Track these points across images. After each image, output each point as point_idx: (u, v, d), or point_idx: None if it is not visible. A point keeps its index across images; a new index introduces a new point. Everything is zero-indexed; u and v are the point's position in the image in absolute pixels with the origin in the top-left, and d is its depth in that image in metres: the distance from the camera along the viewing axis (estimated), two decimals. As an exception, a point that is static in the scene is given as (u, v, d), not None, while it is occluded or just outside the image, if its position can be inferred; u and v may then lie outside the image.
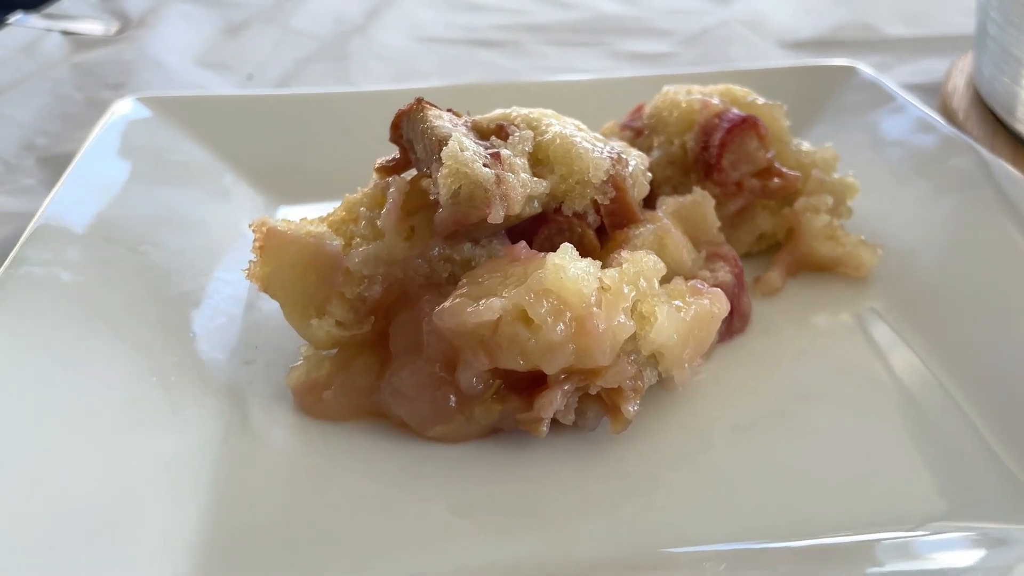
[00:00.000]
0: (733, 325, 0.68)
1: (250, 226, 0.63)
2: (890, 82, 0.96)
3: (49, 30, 1.32)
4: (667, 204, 0.69)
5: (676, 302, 0.59)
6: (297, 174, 0.89)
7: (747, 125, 0.72)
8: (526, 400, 0.57)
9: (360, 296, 0.61)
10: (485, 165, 0.58)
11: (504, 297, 0.54)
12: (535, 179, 0.61)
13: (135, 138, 0.86)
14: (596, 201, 0.63)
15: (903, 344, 0.68)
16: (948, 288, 0.71)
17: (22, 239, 0.66)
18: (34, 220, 0.69)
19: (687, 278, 0.65)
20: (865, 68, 1.00)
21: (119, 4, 1.44)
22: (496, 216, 0.57)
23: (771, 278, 0.72)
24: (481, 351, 0.55)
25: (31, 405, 0.54)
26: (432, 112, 0.62)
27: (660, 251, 0.67)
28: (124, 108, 0.88)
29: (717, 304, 0.60)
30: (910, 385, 0.64)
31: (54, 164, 0.97)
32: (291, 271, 0.62)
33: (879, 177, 0.84)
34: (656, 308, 0.57)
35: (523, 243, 0.59)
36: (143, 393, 0.59)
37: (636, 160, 0.66)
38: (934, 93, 1.11)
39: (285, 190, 0.88)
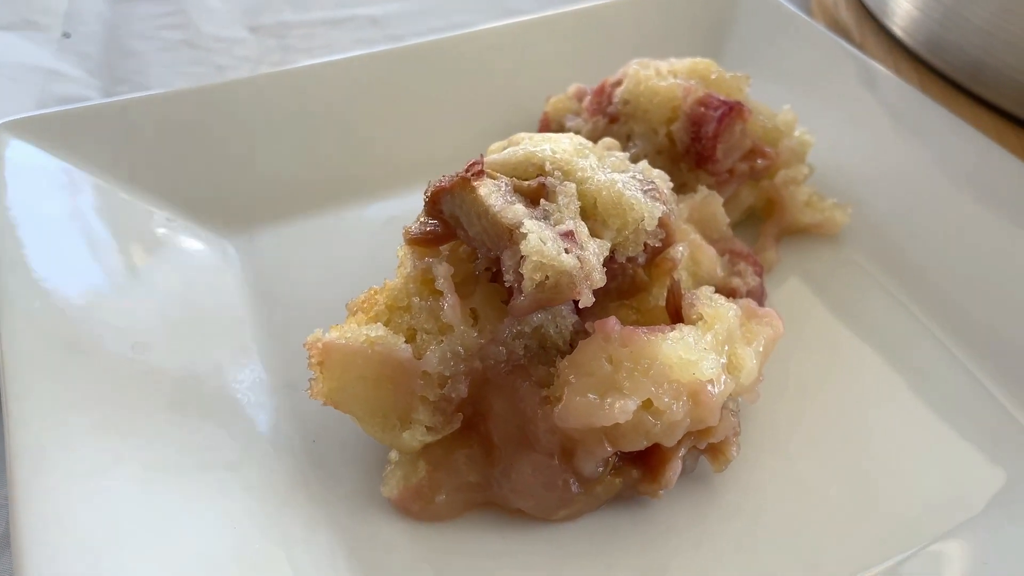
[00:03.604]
0: (763, 323, 0.72)
1: (304, 345, 0.57)
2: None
3: None
4: (680, 209, 0.70)
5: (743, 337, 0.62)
6: (228, 193, 0.79)
7: (735, 113, 0.72)
8: (641, 467, 0.59)
9: (445, 397, 0.58)
10: (565, 250, 0.55)
11: (629, 396, 0.54)
12: (600, 242, 0.59)
13: (32, 189, 0.71)
14: (646, 243, 0.63)
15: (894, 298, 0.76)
16: (918, 221, 0.79)
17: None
18: None
19: (718, 288, 0.68)
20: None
21: None
22: (587, 299, 0.56)
23: (769, 256, 0.76)
24: (605, 440, 0.56)
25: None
26: (483, 190, 0.57)
27: (695, 266, 0.69)
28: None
29: (776, 327, 0.64)
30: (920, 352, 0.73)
31: None
32: (362, 385, 0.58)
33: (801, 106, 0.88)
34: (740, 353, 0.60)
35: (613, 319, 0.58)
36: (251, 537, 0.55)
37: (666, 185, 0.65)
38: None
39: (222, 216, 0.78)
